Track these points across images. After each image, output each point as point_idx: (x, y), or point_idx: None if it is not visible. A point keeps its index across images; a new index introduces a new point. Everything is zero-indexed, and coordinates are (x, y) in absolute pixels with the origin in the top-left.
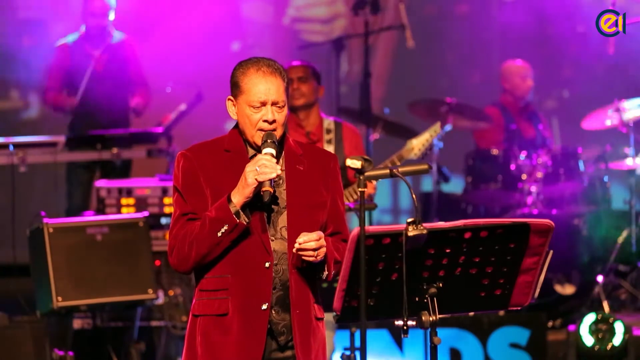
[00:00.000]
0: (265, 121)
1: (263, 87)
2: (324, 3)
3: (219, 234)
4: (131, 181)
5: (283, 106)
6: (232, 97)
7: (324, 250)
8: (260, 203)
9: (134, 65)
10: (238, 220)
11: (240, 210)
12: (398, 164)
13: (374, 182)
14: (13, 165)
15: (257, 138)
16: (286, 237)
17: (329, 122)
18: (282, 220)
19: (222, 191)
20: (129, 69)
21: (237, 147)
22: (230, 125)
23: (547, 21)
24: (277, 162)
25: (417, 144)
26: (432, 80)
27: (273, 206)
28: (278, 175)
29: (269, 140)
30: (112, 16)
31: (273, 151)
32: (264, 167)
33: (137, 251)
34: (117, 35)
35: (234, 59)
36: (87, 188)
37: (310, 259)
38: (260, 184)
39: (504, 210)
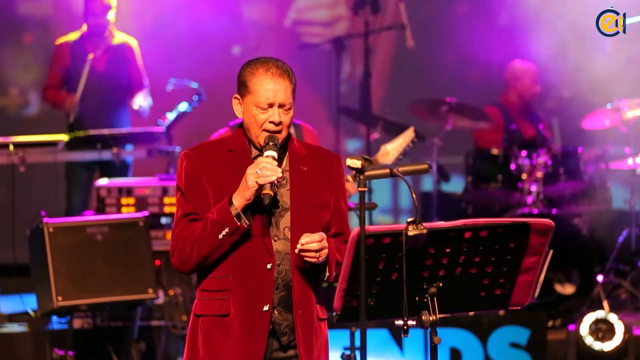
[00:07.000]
0: (271, 122)
1: (271, 88)
2: (325, 6)
3: (220, 237)
4: (131, 181)
5: (289, 108)
6: (238, 96)
7: (326, 251)
8: (262, 205)
9: (134, 66)
10: (239, 223)
11: (241, 213)
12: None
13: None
14: (13, 165)
15: (262, 138)
16: (289, 237)
17: None
18: (286, 220)
19: (225, 191)
20: (129, 70)
21: (240, 148)
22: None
23: (545, 20)
24: (280, 165)
25: (391, 149)
26: (432, 80)
27: (276, 207)
28: (282, 176)
29: (270, 143)
30: (111, 15)
31: (274, 154)
32: (265, 170)
33: (137, 251)
34: (118, 36)
35: (235, 60)
36: (87, 188)
37: (313, 260)
38: (261, 187)
39: (503, 210)
